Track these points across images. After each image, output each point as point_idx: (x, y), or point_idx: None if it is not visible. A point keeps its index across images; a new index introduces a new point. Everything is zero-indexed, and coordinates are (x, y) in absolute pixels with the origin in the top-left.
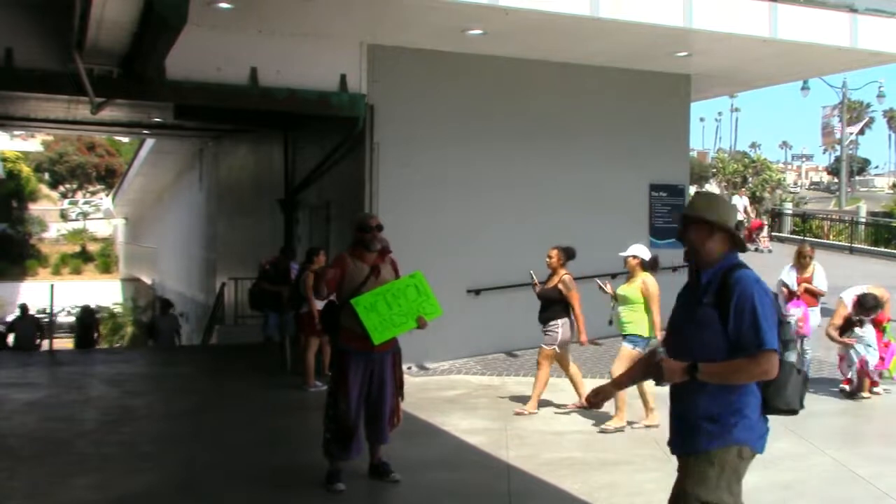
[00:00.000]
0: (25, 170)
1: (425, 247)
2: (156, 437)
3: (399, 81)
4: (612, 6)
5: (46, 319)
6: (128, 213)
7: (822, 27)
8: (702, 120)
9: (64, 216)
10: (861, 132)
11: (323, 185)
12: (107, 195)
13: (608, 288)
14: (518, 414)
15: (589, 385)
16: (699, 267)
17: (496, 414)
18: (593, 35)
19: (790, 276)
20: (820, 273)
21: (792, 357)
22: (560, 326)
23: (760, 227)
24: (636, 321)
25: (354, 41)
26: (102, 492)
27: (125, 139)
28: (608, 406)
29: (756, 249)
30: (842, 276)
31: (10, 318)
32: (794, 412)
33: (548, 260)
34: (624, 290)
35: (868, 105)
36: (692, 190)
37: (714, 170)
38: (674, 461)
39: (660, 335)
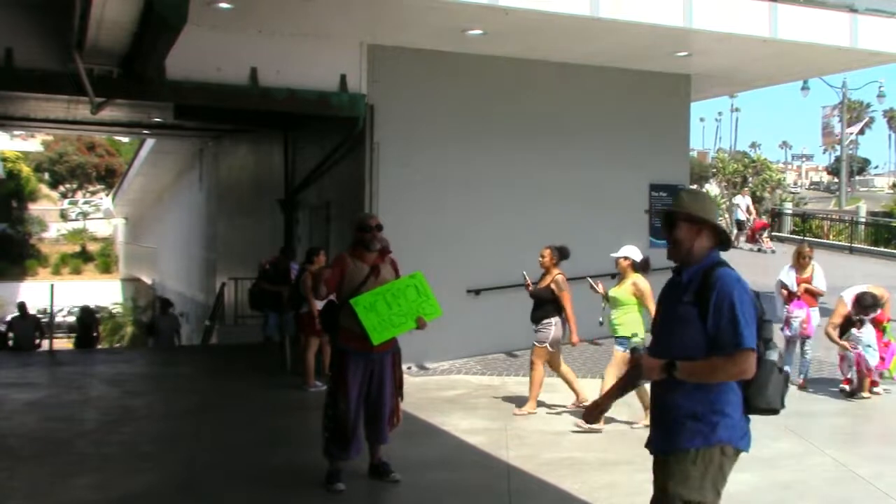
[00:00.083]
0: (25, 170)
1: (425, 247)
2: (156, 437)
3: (399, 81)
4: (612, 6)
5: (46, 320)
6: (128, 213)
7: (822, 27)
8: (702, 120)
9: (64, 216)
10: (861, 132)
11: (323, 185)
12: (107, 195)
13: (600, 288)
14: (517, 415)
15: (585, 384)
16: (683, 265)
17: (496, 414)
18: (593, 35)
19: (789, 277)
20: (819, 273)
21: (773, 356)
22: (553, 325)
23: (764, 228)
24: (627, 323)
25: (354, 41)
26: (102, 492)
27: (125, 139)
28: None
29: (759, 250)
30: (842, 277)
31: (9, 318)
32: (775, 411)
33: (540, 259)
34: (615, 291)
35: (868, 105)
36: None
37: (714, 170)
38: None
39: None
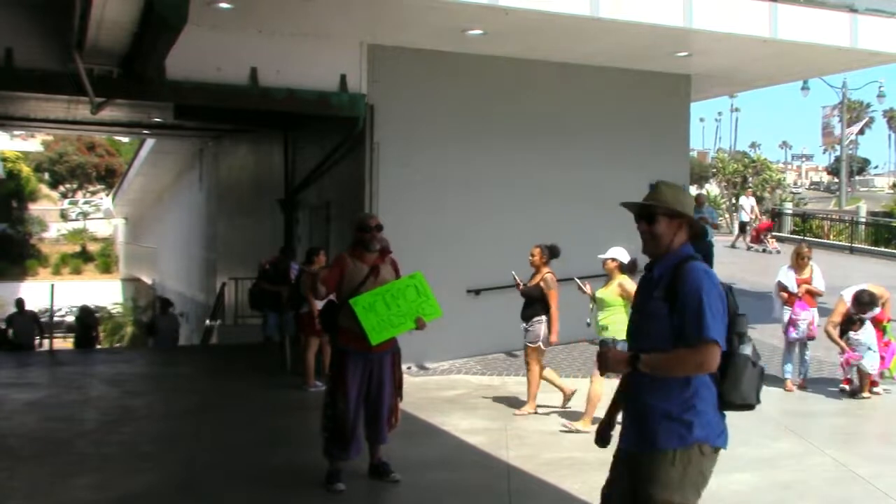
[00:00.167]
0: (25, 170)
1: (425, 247)
2: (156, 437)
3: (399, 81)
4: (612, 6)
5: (46, 319)
6: (128, 213)
7: (822, 27)
8: (702, 120)
9: (64, 216)
10: (861, 132)
11: (323, 185)
12: (107, 195)
13: (587, 288)
14: (518, 415)
15: (577, 383)
16: (656, 259)
17: (496, 414)
18: (593, 35)
19: (789, 278)
20: (818, 273)
21: (747, 350)
22: (542, 323)
23: (769, 228)
24: (613, 324)
25: (354, 41)
26: (102, 492)
27: (125, 139)
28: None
29: (764, 250)
30: (842, 276)
31: (7, 315)
32: (750, 407)
33: (530, 258)
34: (602, 293)
35: (868, 105)
36: (693, 190)
37: (714, 170)
38: None
39: None
